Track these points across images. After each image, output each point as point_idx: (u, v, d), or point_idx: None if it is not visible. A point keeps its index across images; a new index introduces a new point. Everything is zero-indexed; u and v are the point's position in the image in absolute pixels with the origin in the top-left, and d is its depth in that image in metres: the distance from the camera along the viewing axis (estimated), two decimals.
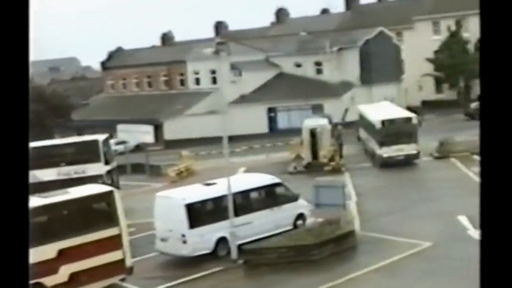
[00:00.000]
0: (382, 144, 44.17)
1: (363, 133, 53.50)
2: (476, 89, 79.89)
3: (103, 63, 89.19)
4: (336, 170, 44.06)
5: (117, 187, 34.35)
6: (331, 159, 45.59)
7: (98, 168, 39.38)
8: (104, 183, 34.27)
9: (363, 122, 52.87)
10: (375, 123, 45.76)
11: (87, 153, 39.91)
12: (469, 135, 48.64)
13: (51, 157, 37.98)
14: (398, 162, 43.41)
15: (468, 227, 27.49)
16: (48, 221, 24.60)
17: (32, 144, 28.75)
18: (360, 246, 27.48)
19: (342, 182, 30.38)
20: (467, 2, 70.25)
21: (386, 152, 43.76)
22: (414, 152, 43.91)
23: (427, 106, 75.51)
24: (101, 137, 40.88)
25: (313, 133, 47.00)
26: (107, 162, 40.08)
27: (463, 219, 28.72)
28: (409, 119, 45.73)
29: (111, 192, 25.80)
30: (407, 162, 43.71)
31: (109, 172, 39.85)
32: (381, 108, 51.89)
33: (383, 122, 44.89)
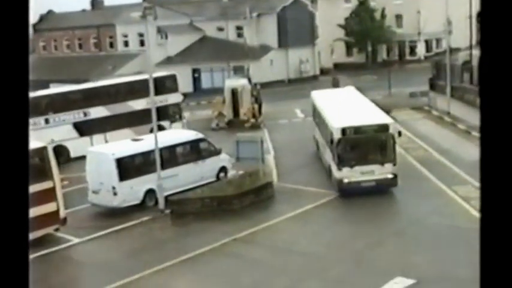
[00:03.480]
0: (341, 163, 26.47)
1: (318, 134, 34.04)
2: (382, 53, 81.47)
3: (34, 26, 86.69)
4: (255, 127, 44.33)
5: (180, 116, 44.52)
6: (251, 116, 45.81)
7: (176, 97, 44.61)
8: (179, 109, 44.45)
9: (318, 118, 34.06)
10: (332, 129, 27.14)
11: (168, 85, 44.11)
12: (377, 94, 49.73)
13: (140, 90, 39.07)
14: (365, 190, 26.39)
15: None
16: None
17: (123, 79, 30.12)
18: (277, 196, 27.88)
19: (261, 137, 30.54)
20: None
21: (347, 175, 26.40)
22: (389, 176, 26.23)
23: (339, 68, 76.65)
24: (177, 72, 46.35)
25: (234, 92, 47.11)
26: None
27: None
28: (383, 128, 26.75)
29: (44, 148, 25.36)
30: (379, 190, 26.39)
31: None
32: (343, 101, 33.42)
33: (344, 131, 26.48)
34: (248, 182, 28.11)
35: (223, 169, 30.99)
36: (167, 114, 42.79)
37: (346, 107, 31.27)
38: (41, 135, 37.68)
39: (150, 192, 27.76)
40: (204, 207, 26.46)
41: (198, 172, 29.54)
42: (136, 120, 39.19)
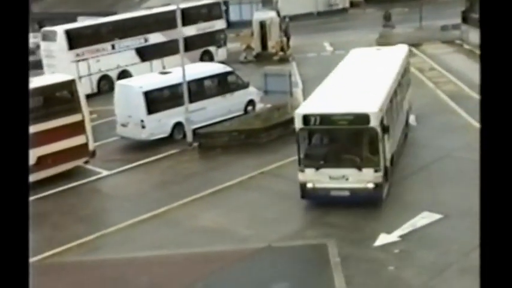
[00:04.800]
0: (303, 161, 19.48)
1: None
2: None
3: None
4: (284, 60, 43.93)
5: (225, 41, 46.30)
6: (279, 50, 45.41)
7: (221, 23, 46.44)
8: (224, 35, 46.23)
9: None
10: (294, 116, 19.70)
11: (214, 12, 46.19)
12: (407, 27, 48.84)
13: (190, 16, 42.26)
14: (335, 201, 19.39)
15: None
16: None
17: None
18: None
19: (289, 70, 30.24)
20: None
21: (312, 179, 19.27)
22: (369, 186, 18.77)
23: (369, 0, 75.04)
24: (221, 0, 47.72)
25: (262, 25, 46.55)
26: None
27: None
28: (362, 119, 18.68)
29: (72, 80, 25.44)
30: (356, 203, 19.18)
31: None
32: (361, 70, 24.30)
33: (306, 119, 19.17)
34: (276, 115, 28.02)
35: (251, 102, 30.87)
36: (214, 40, 45.32)
37: (350, 81, 22.50)
38: (108, 61, 39.02)
39: (178, 126, 27.82)
40: (232, 141, 26.50)
41: (226, 105, 29.47)
42: (188, 45, 39.75)
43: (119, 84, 29.42)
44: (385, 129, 18.89)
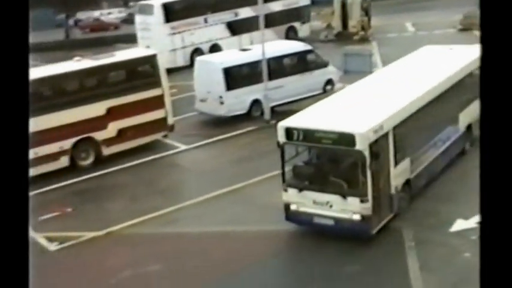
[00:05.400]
0: (290, 181, 16.96)
1: None
2: None
3: None
4: (364, 40, 43.41)
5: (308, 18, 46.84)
6: (360, 29, 44.88)
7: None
8: (308, 11, 46.46)
9: None
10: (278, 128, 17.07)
11: None
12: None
13: None
14: (319, 229, 16.80)
15: None
16: (98, 82, 24.79)
17: None
18: None
19: (369, 50, 29.85)
20: None
21: (295, 200, 16.75)
22: (355, 217, 15.86)
23: None
24: None
25: (344, 4, 46.14)
26: None
27: None
28: (347, 140, 15.68)
29: (154, 55, 25.79)
30: (340, 232, 16.36)
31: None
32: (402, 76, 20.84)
33: (289, 132, 16.67)
34: None
35: (329, 82, 30.62)
36: (298, 16, 45.79)
37: (373, 90, 19.24)
38: (200, 34, 40.00)
39: (256, 103, 27.90)
40: None
41: (305, 84, 29.32)
42: (275, 21, 40.67)
43: (199, 60, 29.70)
44: (377, 154, 15.66)
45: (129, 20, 67.36)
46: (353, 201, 15.83)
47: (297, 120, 17.01)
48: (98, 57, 25.55)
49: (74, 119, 23.35)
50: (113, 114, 24.17)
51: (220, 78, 27.32)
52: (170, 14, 40.14)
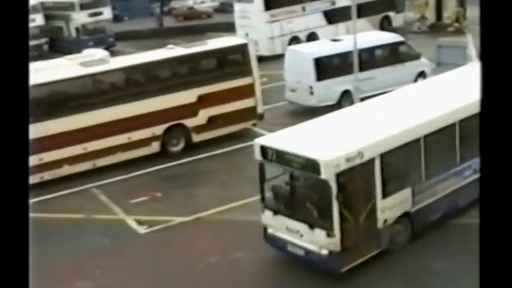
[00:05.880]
0: (266, 202, 15.68)
1: None
2: None
3: None
4: (459, 32, 42.34)
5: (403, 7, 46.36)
6: (455, 20, 43.81)
7: None
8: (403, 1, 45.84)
9: None
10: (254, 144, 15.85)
11: None
12: None
13: None
14: (292, 257, 15.39)
15: None
16: (190, 70, 25.16)
17: None
18: None
19: (464, 42, 29.11)
20: None
21: (270, 223, 15.52)
22: (323, 252, 14.21)
23: None
24: None
25: None
26: None
27: None
28: (313, 166, 13.98)
29: (245, 44, 25.94)
30: (310, 265, 14.94)
31: None
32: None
33: (264, 151, 15.23)
34: None
35: (422, 74, 30.02)
36: (393, 5, 45.47)
37: (380, 111, 17.09)
38: (298, 23, 40.39)
39: (346, 93, 27.69)
40: None
41: (396, 76, 28.85)
42: (370, 10, 40.38)
43: (290, 49, 29.70)
44: (350, 185, 14.08)
45: (221, 9, 68.19)
46: (320, 234, 14.21)
47: (273, 139, 15.68)
48: (191, 46, 25.92)
49: (166, 105, 23.78)
50: (203, 101, 24.48)
51: (310, 68, 27.27)
52: (269, 2, 40.45)
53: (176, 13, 67.34)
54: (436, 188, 16.31)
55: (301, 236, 14.63)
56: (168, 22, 62.09)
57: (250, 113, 25.35)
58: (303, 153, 14.28)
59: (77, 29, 49.49)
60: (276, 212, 15.34)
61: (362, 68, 27.42)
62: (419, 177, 15.89)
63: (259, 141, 15.61)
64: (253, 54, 25.72)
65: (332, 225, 13.88)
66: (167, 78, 24.73)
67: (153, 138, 23.84)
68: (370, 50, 29.05)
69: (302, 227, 14.60)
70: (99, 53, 30.50)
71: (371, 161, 14.45)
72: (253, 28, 39.89)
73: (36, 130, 22.07)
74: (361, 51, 27.51)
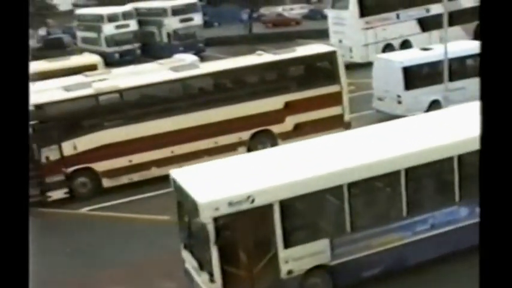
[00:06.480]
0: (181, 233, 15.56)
1: None
2: None
3: None
4: None
5: None
6: None
7: None
8: None
9: None
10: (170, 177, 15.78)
11: None
12: None
13: None
14: None
15: None
16: (277, 76, 25.31)
17: None
18: None
19: None
20: None
21: (183, 254, 15.42)
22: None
23: None
24: None
25: None
26: None
27: None
28: (194, 206, 13.24)
29: (334, 52, 25.89)
30: None
31: None
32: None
33: (173, 182, 14.91)
34: None
35: None
36: None
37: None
38: (392, 30, 40.35)
39: (434, 103, 27.20)
40: None
41: None
42: (464, 17, 39.66)
43: (379, 58, 29.47)
44: (227, 230, 13.31)
45: (310, 16, 68.30)
46: (205, 277, 13.50)
47: (186, 172, 14.88)
48: (279, 52, 26.06)
49: (254, 111, 23.99)
50: (290, 108, 24.56)
51: (399, 77, 26.94)
52: (365, 8, 40.26)
53: (265, 20, 67.84)
54: (371, 241, 14.49)
55: (198, 275, 14.00)
56: (257, 28, 62.62)
57: (336, 121, 25.24)
58: (191, 192, 13.50)
59: (168, 35, 50.51)
60: (185, 247, 14.95)
61: (452, 78, 26.93)
62: (341, 228, 14.27)
63: (173, 173, 14.91)
64: (341, 61, 25.64)
65: (212, 271, 13.16)
66: (255, 84, 24.96)
67: (240, 143, 24.08)
68: (461, 60, 28.44)
69: (196, 265, 14.13)
70: (189, 58, 31.10)
71: (267, 207, 13.29)
72: (347, 35, 39.79)
73: (128, 132, 22.73)
74: (452, 61, 27.02)
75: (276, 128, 24.49)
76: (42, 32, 64.96)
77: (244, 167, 14.84)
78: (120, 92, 22.69)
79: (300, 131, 24.62)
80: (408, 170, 14.55)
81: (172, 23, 50.50)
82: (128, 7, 53.10)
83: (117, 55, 48.95)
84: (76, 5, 73.04)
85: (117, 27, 50.77)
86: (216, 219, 12.83)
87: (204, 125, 23.31)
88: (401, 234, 14.76)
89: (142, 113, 22.93)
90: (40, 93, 22.47)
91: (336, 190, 14.03)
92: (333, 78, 25.22)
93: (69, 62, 32.70)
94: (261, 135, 24.40)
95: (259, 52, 26.33)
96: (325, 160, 14.62)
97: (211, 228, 12.79)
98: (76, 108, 22.44)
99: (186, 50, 43.94)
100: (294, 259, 13.74)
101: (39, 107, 21.29)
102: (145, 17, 52.45)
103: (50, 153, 21.79)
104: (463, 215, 15.11)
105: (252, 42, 51.87)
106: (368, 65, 32.61)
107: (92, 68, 30.20)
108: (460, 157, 14.88)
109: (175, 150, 22.99)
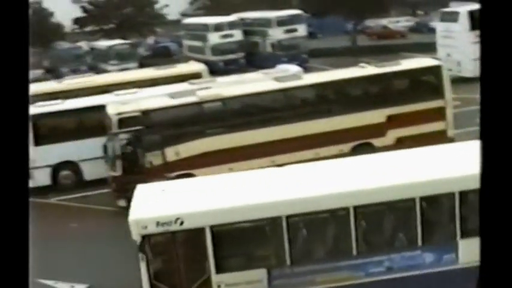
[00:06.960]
0: None
1: None
2: None
3: None
4: None
5: None
6: None
7: None
8: None
9: None
10: None
11: None
12: None
13: None
14: None
15: None
16: (380, 89, 25.09)
17: None
18: None
19: None
20: None
21: None
22: None
23: None
24: None
25: None
26: None
27: None
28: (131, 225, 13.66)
29: (439, 66, 25.45)
30: None
31: None
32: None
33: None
34: None
35: None
36: None
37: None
38: None
39: None
40: None
41: None
42: None
43: None
44: (155, 248, 13.38)
45: (416, 29, 67.27)
46: None
47: (145, 187, 14.95)
48: (383, 65, 25.84)
49: (355, 123, 23.87)
50: (392, 122, 24.28)
51: None
52: (476, 21, 39.37)
53: (370, 32, 67.32)
54: (315, 277, 13.78)
55: None
56: (362, 40, 62.20)
57: (439, 137, 24.72)
58: (132, 208, 13.64)
59: (273, 45, 50.94)
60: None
61: None
62: (280, 260, 13.78)
63: (138, 187, 14.88)
64: (446, 76, 25.15)
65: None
66: (357, 96, 24.84)
67: (341, 155, 23.97)
68: None
69: None
70: (293, 68, 31.27)
71: (199, 231, 13.21)
72: (457, 48, 38.74)
73: (229, 140, 23.05)
74: None
75: (377, 142, 24.25)
76: (150, 40, 66.96)
77: (201, 187, 14.81)
78: (224, 100, 23.07)
79: (402, 144, 24.27)
80: (357, 208, 13.72)
81: (276, 34, 50.90)
82: (234, 17, 53.92)
83: (221, 64, 49.72)
84: (184, 15, 74.74)
85: (223, 36, 51.65)
86: (144, 237, 12.94)
87: (306, 135, 23.37)
88: (351, 274, 13.93)
89: (244, 122, 23.23)
90: (146, 99, 23.14)
91: (274, 221, 13.64)
92: (437, 92, 24.76)
93: (176, 70, 33.44)
94: (362, 148, 24.23)
95: (362, 64, 26.20)
96: (269, 189, 14.27)
97: (139, 245, 12.93)
98: (180, 115, 22.98)
99: (289, 60, 44.11)
100: (228, 285, 13.53)
101: (145, 112, 21.94)
102: (250, 27, 53.10)
103: (153, 158, 22.38)
104: (427, 261, 14.02)
105: (355, 54, 51.57)
106: (476, 80, 31.82)
107: (197, 76, 30.80)
108: (423, 199, 13.82)
109: (276, 160, 23.14)
